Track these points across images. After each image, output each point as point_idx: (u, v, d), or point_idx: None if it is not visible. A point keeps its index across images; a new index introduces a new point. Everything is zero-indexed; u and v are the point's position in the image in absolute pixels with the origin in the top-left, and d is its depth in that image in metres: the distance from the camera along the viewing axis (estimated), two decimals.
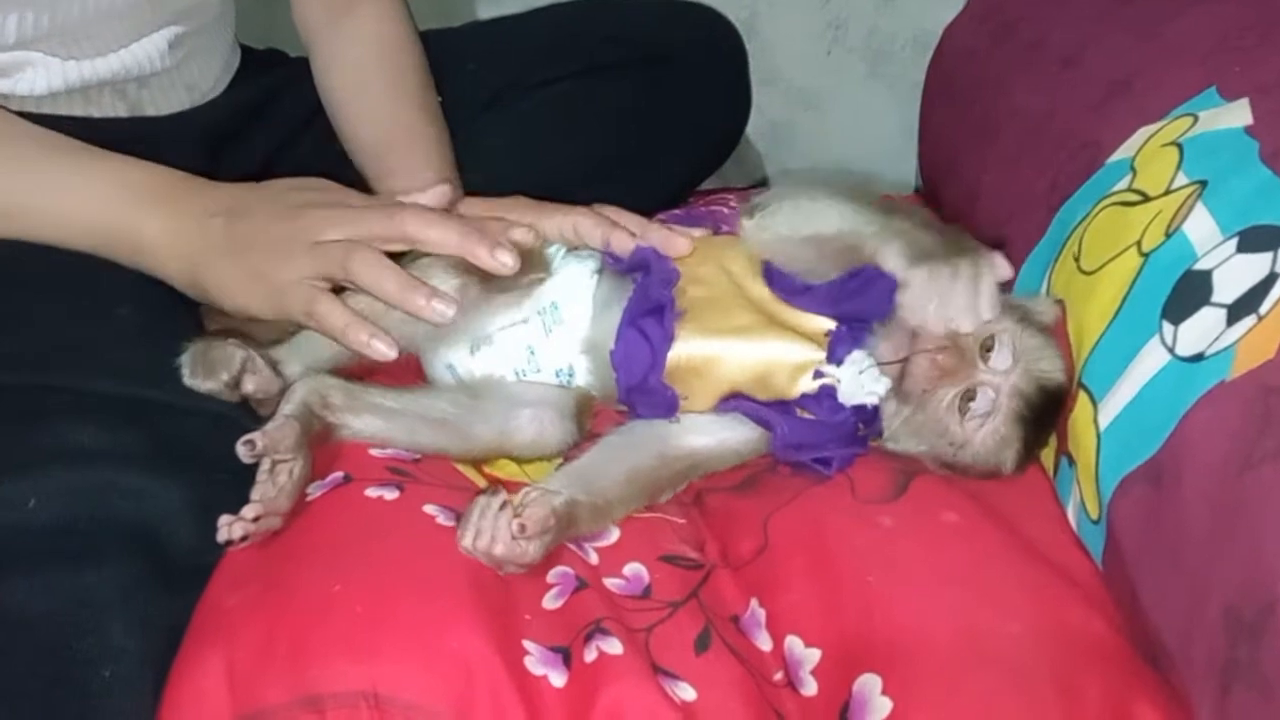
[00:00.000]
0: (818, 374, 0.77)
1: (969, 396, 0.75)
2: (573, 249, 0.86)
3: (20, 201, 0.79)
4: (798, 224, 0.80)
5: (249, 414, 0.76)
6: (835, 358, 0.77)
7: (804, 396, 0.78)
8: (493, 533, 0.68)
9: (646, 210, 0.88)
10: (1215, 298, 0.66)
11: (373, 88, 1.01)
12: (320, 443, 0.75)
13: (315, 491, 0.73)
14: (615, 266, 0.82)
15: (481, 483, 0.78)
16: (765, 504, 0.75)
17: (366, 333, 0.75)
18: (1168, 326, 0.68)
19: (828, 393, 0.77)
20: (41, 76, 0.90)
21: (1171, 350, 0.67)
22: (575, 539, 0.73)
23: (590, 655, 0.65)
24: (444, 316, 0.74)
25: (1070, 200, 0.86)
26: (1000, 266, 0.78)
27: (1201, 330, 0.66)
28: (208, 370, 0.75)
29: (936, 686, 0.64)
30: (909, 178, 1.43)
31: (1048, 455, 0.79)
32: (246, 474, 0.71)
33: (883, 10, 1.77)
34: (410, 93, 1.01)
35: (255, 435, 0.70)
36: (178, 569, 0.66)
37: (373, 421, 0.78)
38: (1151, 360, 0.68)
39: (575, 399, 0.82)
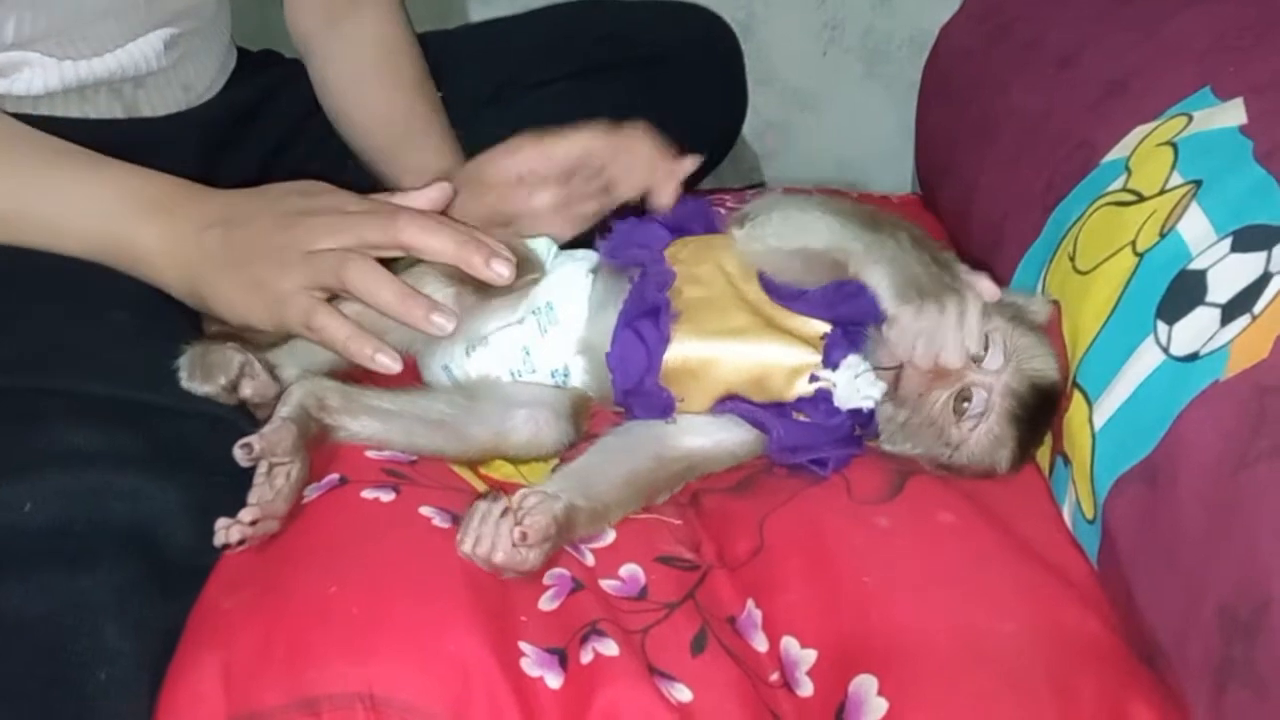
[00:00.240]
0: (813, 378, 0.77)
1: (963, 397, 0.75)
2: (567, 246, 0.86)
3: (18, 208, 0.79)
4: (787, 235, 0.80)
5: (246, 417, 0.76)
6: (830, 362, 0.77)
7: (800, 399, 0.78)
8: (493, 540, 0.68)
9: (639, 211, 0.88)
10: (1210, 297, 0.66)
11: (378, 83, 1.02)
12: (317, 445, 0.75)
13: (311, 494, 0.73)
14: (611, 258, 0.82)
15: (478, 484, 0.78)
16: (761, 505, 0.75)
17: (370, 347, 0.74)
18: (1162, 326, 0.68)
19: (824, 396, 0.77)
20: (39, 76, 0.90)
21: (1166, 350, 0.67)
22: (572, 542, 0.73)
23: (586, 657, 0.65)
24: (443, 330, 0.74)
25: (1065, 200, 0.87)
26: (987, 290, 0.78)
27: (1196, 330, 0.66)
28: (206, 373, 0.75)
29: (932, 687, 0.64)
30: (905, 178, 1.44)
31: (1043, 455, 0.80)
32: (243, 476, 0.71)
33: (879, 10, 1.77)
34: (416, 86, 1.02)
35: (252, 438, 0.70)
36: (174, 571, 0.66)
37: (369, 423, 0.78)
38: (1146, 360, 0.68)
39: (571, 399, 0.82)
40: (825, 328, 0.78)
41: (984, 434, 0.76)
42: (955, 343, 0.74)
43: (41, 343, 0.74)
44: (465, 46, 1.14)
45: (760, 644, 0.69)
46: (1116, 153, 0.83)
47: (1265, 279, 0.63)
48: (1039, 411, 0.76)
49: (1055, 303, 0.81)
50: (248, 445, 0.70)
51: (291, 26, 1.06)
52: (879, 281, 0.76)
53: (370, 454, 0.77)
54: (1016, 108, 1.04)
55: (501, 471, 0.80)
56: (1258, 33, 0.80)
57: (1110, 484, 0.68)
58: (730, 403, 0.79)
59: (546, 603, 0.68)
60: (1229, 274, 0.66)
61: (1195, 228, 0.70)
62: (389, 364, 0.75)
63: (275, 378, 0.79)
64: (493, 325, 0.82)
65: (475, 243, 0.75)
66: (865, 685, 0.64)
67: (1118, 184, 0.80)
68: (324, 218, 0.76)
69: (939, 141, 1.26)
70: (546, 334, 0.81)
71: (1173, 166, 0.75)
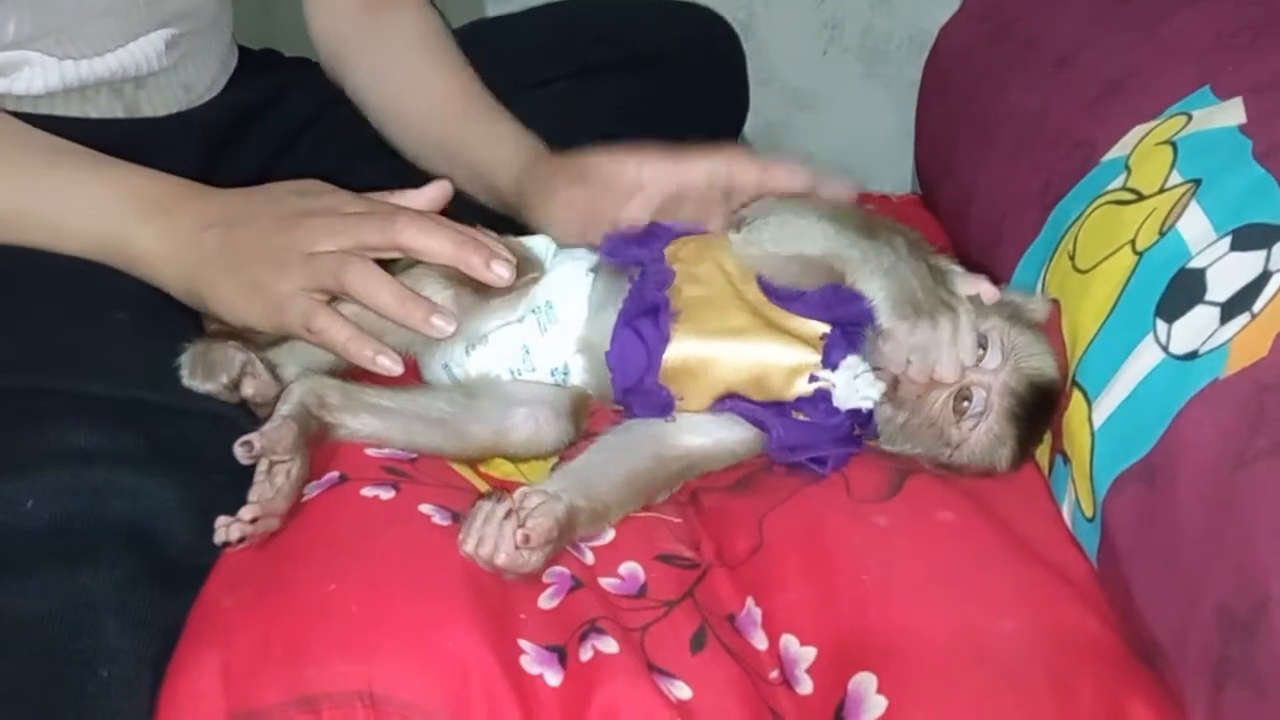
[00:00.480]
0: (813, 378, 0.77)
1: (962, 397, 0.75)
2: (567, 247, 0.85)
3: (17, 208, 0.79)
4: (784, 241, 0.80)
5: (246, 414, 0.76)
6: (830, 362, 0.77)
7: (799, 399, 0.78)
8: (496, 541, 0.68)
9: None
10: (1209, 296, 0.66)
11: (433, 67, 1.00)
12: (317, 443, 0.75)
13: (311, 491, 0.73)
14: (611, 260, 0.82)
15: (478, 482, 0.78)
16: (761, 503, 0.76)
17: (371, 349, 0.74)
18: (1161, 325, 0.68)
19: (823, 396, 0.77)
20: (39, 76, 0.90)
21: (1165, 348, 0.67)
22: (572, 541, 0.73)
23: (586, 654, 0.65)
24: (443, 332, 0.75)
25: (1065, 199, 0.87)
26: (986, 292, 0.79)
27: (1195, 328, 0.66)
28: (207, 372, 0.75)
29: (931, 685, 0.64)
30: (905, 177, 1.43)
31: (1043, 453, 0.80)
32: (244, 474, 0.71)
33: (878, 10, 1.77)
34: (469, 68, 1.01)
35: (253, 436, 0.70)
36: (174, 569, 0.66)
37: (370, 421, 0.78)
38: (1145, 358, 0.68)
39: (571, 398, 0.82)
40: (824, 328, 0.78)
41: (984, 433, 0.76)
42: (949, 359, 0.74)
43: (42, 342, 0.74)
44: (468, 45, 1.13)
45: (760, 642, 0.69)
46: (1116, 152, 0.83)
47: (1265, 277, 0.63)
48: (1038, 409, 0.76)
49: (1054, 301, 0.81)
50: (248, 443, 0.70)
51: (320, 28, 1.05)
52: (874, 294, 0.75)
53: (370, 452, 0.77)
54: (1016, 107, 1.04)
55: (501, 470, 0.80)
56: (1255, 32, 0.81)
57: (1109, 482, 0.68)
58: (730, 401, 0.79)
59: (546, 601, 0.68)
60: (1228, 272, 0.66)
61: (1195, 226, 0.70)
62: (390, 366, 0.75)
63: (276, 376, 0.79)
64: (492, 324, 0.82)
65: (474, 244, 0.75)
66: (864, 683, 0.64)
67: (1117, 183, 0.80)
68: (323, 219, 0.76)
69: (938, 141, 1.26)
70: (546, 333, 0.81)
71: (1172, 165, 0.75)
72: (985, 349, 0.75)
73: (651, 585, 0.71)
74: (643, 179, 0.84)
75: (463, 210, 0.82)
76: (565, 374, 0.82)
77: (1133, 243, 0.74)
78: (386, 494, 0.72)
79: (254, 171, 1.00)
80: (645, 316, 0.79)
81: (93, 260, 0.79)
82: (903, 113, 1.44)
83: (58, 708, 0.61)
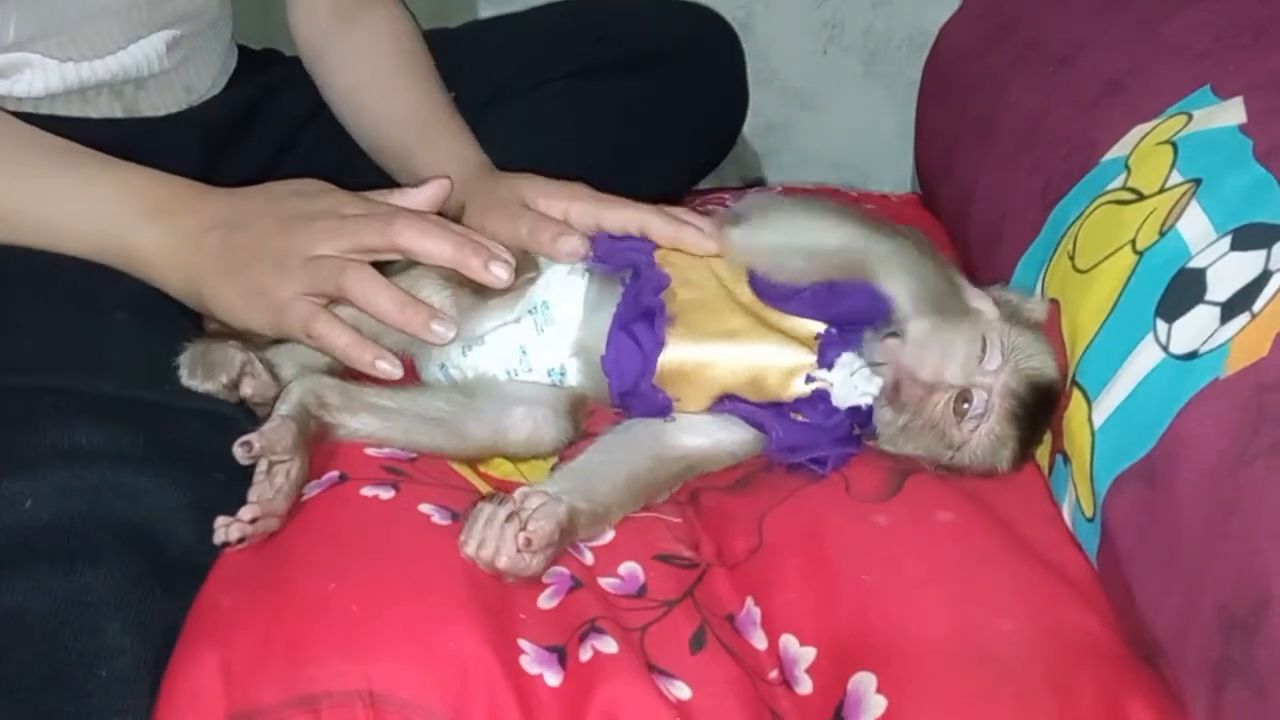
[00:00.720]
0: (809, 378, 0.77)
1: (963, 399, 0.75)
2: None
3: (18, 208, 0.79)
4: (793, 234, 0.80)
5: (246, 414, 0.77)
6: (825, 361, 0.77)
7: (798, 400, 0.78)
8: (497, 544, 0.67)
9: None
10: (1209, 296, 0.66)
11: (398, 79, 1.01)
12: (317, 443, 0.75)
13: (311, 491, 0.73)
14: (600, 267, 0.82)
15: (478, 482, 0.78)
16: (760, 503, 0.76)
17: (371, 353, 0.75)
18: (1162, 324, 0.68)
19: (821, 396, 0.77)
20: (40, 78, 0.90)
21: (1165, 348, 0.67)
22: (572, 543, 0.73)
23: (585, 654, 0.65)
24: (443, 338, 0.75)
25: (1065, 199, 0.87)
26: (988, 311, 0.79)
27: (1195, 328, 0.66)
28: (207, 371, 0.75)
29: (931, 685, 0.64)
30: (905, 177, 1.44)
31: (1043, 453, 0.80)
32: (243, 474, 0.71)
33: (879, 10, 1.77)
34: (433, 81, 1.02)
35: (252, 436, 0.70)
36: (174, 568, 0.66)
37: (369, 421, 0.78)
38: (1145, 358, 0.68)
39: (569, 397, 0.82)
40: (819, 327, 0.78)
41: (985, 434, 0.76)
42: (965, 366, 0.74)
43: (43, 341, 0.74)
44: (465, 45, 1.14)
45: (759, 642, 0.69)
46: (1116, 151, 0.83)
47: (1265, 277, 0.63)
48: (1039, 410, 0.76)
49: (1054, 301, 0.81)
50: (247, 443, 0.70)
51: (298, 31, 1.05)
52: (898, 290, 0.75)
53: (370, 451, 0.77)
54: (1016, 107, 1.04)
55: (501, 470, 0.80)
56: (1255, 32, 0.81)
57: (1109, 482, 0.68)
58: (728, 403, 0.79)
59: (545, 601, 0.68)
60: (1228, 272, 0.66)
61: (1195, 226, 0.70)
62: (390, 370, 0.75)
63: (275, 376, 0.79)
64: (489, 324, 0.82)
65: (473, 245, 0.75)
66: (864, 683, 0.64)
67: (1117, 183, 0.80)
68: (322, 222, 0.76)
69: (939, 141, 1.26)
70: (543, 333, 0.81)
71: (1172, 165, 0.75)
72: (985, 350, 0.75)
73: (651, 585, 0.71)
74: (570, 217, 0.84)
75: None
76: (562, 375, 0.82)
77: (1133, 242, 0.74)
78: (386, 494, 0.72)
79: (254, 170, 1.00)
80: (640, 320, 0.79)
81: (94, 261, 0.79)
82: (903, 113, 1.44)
83: (57, 707, 0.61)
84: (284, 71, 1.08)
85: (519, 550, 0.67)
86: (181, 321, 0.79)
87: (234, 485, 0.70)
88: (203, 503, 0.68)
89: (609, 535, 0.74)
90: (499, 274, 0.75)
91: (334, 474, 0.74)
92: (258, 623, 0.64)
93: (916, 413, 0.76)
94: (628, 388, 0.79)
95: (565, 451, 0.81)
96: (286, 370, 0.80)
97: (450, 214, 0.86)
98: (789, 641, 0.68)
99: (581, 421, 0.82)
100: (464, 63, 1.09)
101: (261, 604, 0.65)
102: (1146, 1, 0.96)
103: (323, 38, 1.04)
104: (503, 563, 0.67)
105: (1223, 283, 0.66)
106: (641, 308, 0.79)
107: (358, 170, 0.97)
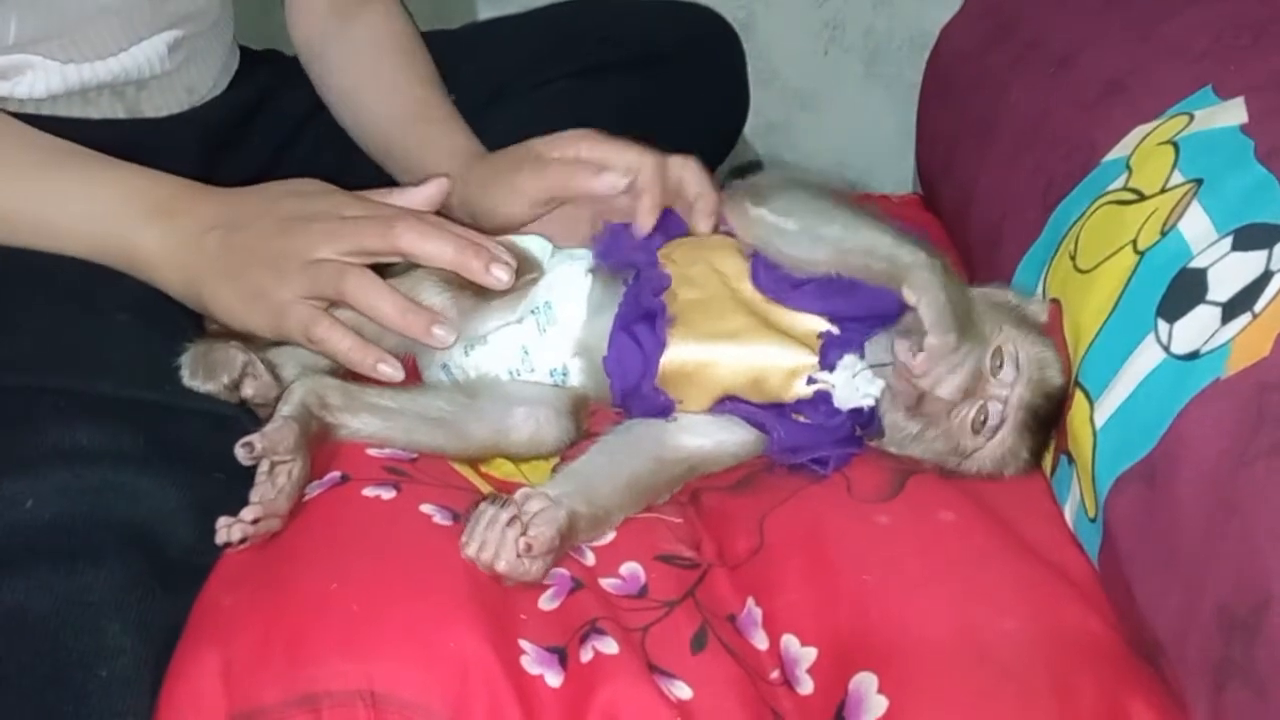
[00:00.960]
0: (811, 380, 0.77)
1: (981, 411, 0.75)
2: (563, 247, 0.85)
3: (18, 208, 0.79)
4: (819, 222, 0.78)
5: (248, 414, 0.77)
6: (827, 363, 0.77)
7: (799, 402, 0.78)
8: (498, 548, 0.67)
9: None
10: (1210, 296, 0.66)
11: (396, 79, 1.01)
12: (319, 443, 0.75)
13: (312, 491, 0.73)
14: (605, 261, 0.82)
15: (479, 483, 0.78)
16: (761, 503, 0.76)
17: (372, 357, 0.75)
18: (1163, 324, 0.68)
19: (823, 398, 0.77)
20: (41, 79, 0.90)
21: (1167, 348, 0.67)
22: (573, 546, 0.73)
23: (586, 655, 0.65)
24: (444, 343, 0.75)
25: (1066, 199, 0.87)
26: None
27: (1196, 328, 0.66)
28: (208, 372, 0.75)
29: (932, 685, 0.64)
30: (906, 177, 1.43)
31: (1047, 454, 0.79)
32: (245, 474, 0.71)
33: (879, 10, 1.77)
34: (432, 80, 1.02)
35: (254, 437, 0.70)
36: (175, 568, 0.66)
37: (370, 421, 0.78)
38: (1147, 358, 0.68)
39: (571, 397, 0.82)
40: (821, 325, 0.78)
41: (997, 445, 0.76)
42: (965, 385, 0.74)
43: (44, 341, 0.74)
44: (466, 46, 1.14)
45: (760, 642, 0.69)
46: (1117, 152, 0.83)
47: (1266, 277, 0.63)
48: (1049, 419, 0.76)
49: (1055, 302, 0.81)
50: (249, 444, 0.70)
51: (295, 31, 1.05)
52: (923, 301, 0.73)
53: (371, 452, 0.77)
54: (1017, 107, 1.04)
55: (502, 470, 0.80)
56: (1256, 32, 0.81)
57: (1111, 482, 0.68)
58: (730, 404, 0.79)
59: (546, 602, 0.68)
60: (1230, 272, 0.66)
61: (1196, 226, 0.70)
62: (391, 374, 0.76)
63: (276, 377, 0.79)
64: (491, 324, 0.82)
65: (474, 247, 0.75)
66: (865, 683, 0.64)
67: (1118, 183, 0.80)
68: (321, 224, 0.76)
69: (939, 141, 1.26)
70: (545, 334, 0.81)
71: (1173, 165, 0.75)
72: (1002, 364, 0.75)
73: (652, 585, 0.71)
74: (581, 156, 0.84)
75: None
76: (564, 375, 0.82)
77: (1134, 243, 0.74)
78: (388, 494, 0.72)
79: (254, 170, 1.00)
80: (641, 321, 0.79)
81: (93, 261, 0.79)
82: (903, 113, 1.44)
83: (57, 707, 0.61)
84: (284, 71, 1.08)
85: (519, 555, 0.67)
86: (183, 322, 0.79)
87: (235, 486, 0.70)
88: (204, 503, 0.68)
89: (610, 535, 0.74)
90: (500, 275, 0.75)
91: (335, 474, 0.74)
92: (259, 623, 0.64)
93: (933, 422, 0.76)
94: (629, 388, 0.79)
95: (567, 452, 0.81)
96: (288, 371, 0.80)
97: (452, 212, 0.86)
98: (790, 642, 0.68)
99: (583, 422, 0.82)
100: (464, 63, 1.09)
101: (262, 604, 0.65)
102: (1147, 2, 0.96)
103: (321, 37, 1.04)
104: (502, 567, 0.67)
105: (1224, 283, 0.66)
106: (642, 308, 0.79)
107: (357, 169, 0.97)
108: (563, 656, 0.65)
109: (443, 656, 0.62)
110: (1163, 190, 0.75)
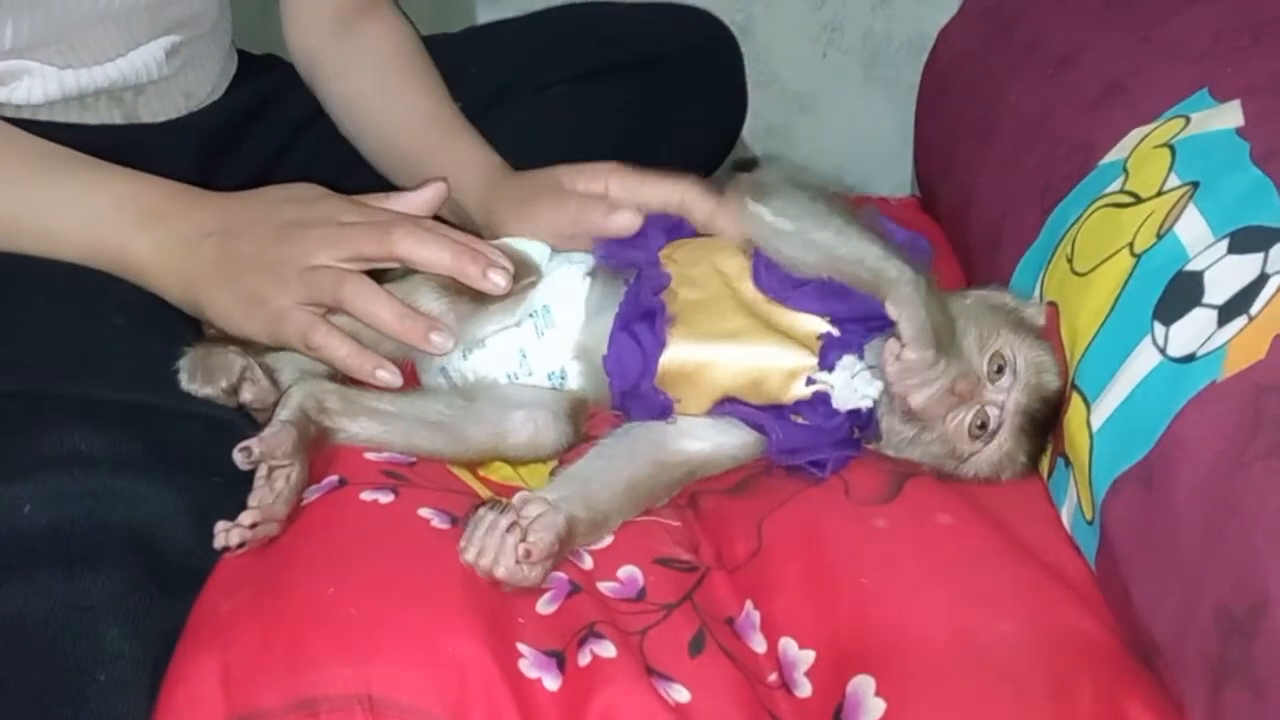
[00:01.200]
0: (810, 381, 0.77)
1: (980, 416, 0.75)
2: (563, 251, 0.85)
3: (13, 214, 0.79)
4: (813, 227, 0.78)
5: (246, 419, 0.77)
6: (827, 364, 0.77)
7: (798, 403, 0.78)
8: (497, 553, 0.67)
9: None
10: (1206, 298, 0.66)
11: (402, 88, 1.01)
12: (317, 448, 0.75)
13: (310, 495, 0.73)
14: (606, 263, 0.82)
15: (477, 486, 0.78)
16: (759, 506, 0.76)
17: (371, 363, 0.76)
18: (1159, 327, 0.68)
19: (821, 399, 0.77)
20: (38, 85, 0.90)
21: (1163, 351, 0.67)
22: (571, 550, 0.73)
23: (584, 659, 0.65)
24: (442, 349, 0.76)
25: (1063, 202, 0.87)
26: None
27: (1193, 331, 0.66)
28: (206, 376, 0.75)
29: (930, 687, 0.64)
30: (905, 179, 1.43)
31: (1044, 457, 0.80)
32: (243, 478, 0.71)
33: (878, 12, 1.77)
34: (438, 88, 1.01)
35: (252, 442, 0.70)
36: (173, 573, 0.66)
37: (369, 425, 0.78)
38: (1143, 361, 0.68)
39: (570, 400, 0.82)
40: (821, 327, 0.78)
41: (994, 449, 0.76)
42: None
43: (42, 346, 0.74)
44: (466, 50, 1.14)
45: (758, 645, 0.69)
46: (1114, 154, 0.83)
47: (1262, 280, 0.63)
48: (1047, 421, 0.76)
49: (1052, 304, 0.81)
50: (247, 449, 0.70)
51: (294, 44, 1.05)
52: (904, 316, 0.73)
53: (369, 455, 0.77)
54: (1015, 109, 1.04)
55: (500, 473, 0.80)
56: (1253, 35, 0.81)
57: (1108, 485, 0.68)
58: (729, 405, 0.79)
59: (544, 605, 0.68)
60: (1226, 275, 0.66)
61: (1192, 229, 0.70)
62: (390, 380, 0.76)
63: (274, 381, 0.79)
64: (489, 328, 0.82)
65: (472, 253, 0.76)
66: (863, 686, 0.64)
67: (1115, 185, 0.80)
68: (319, 230, 0.76)
69: (938, 143, 1.26)
70: (543, 337, 0.81)
71: (1170, 168, 0.76)
72: (1001, 371, 0.75)
73: (650, 589, 0.71)
74: (610, 193, 0.84)
75: None
76: (563, 378, 0.82)
77: (1131, 245, 0.74)
78: (386, 498, 0.72)
79: (252, 175, 1.00)
80: (641, 321, 0.79)
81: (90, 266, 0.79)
82: (902, 115, 1.44)
83: (55, 711, 0.61)
84: (283, 76, 1.08)
85: (518, 561, 0.67)
86: (181, 326, 0.80)
87: (233, 490, 0.70)
88: (202, 507, 0.68)
89: (608, 538, 0.74)
90: (497, 281, 0.75)
91: (334, 478, 0.74)
92: (257, 627, 0.64)
93: (929, 426, 0.76)
94: (628, 388, 0.79)
95: (565, 455, 0.81)
96: (286, 375, 0.80)
97: (453, 218, 0.86)
98: (788, 644, 0.68)
99: (582, 425, 0.82)
100: (465, 67, 1.09)
101: (261, 608, 0.65)
102: (1146, 3, 0.96)
103: (318, 52, 1.04)
104: (501, 572, 0.67)
105: (1220, 285, 0.66)
106: (642, 308, 0.79)
107: (356, 174, 0.97)
108: (561, 660, 0.65)
109: (441, 660, 0.63)
110: (1159, 193, 0.75)
